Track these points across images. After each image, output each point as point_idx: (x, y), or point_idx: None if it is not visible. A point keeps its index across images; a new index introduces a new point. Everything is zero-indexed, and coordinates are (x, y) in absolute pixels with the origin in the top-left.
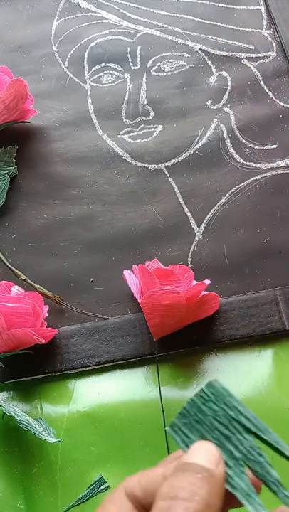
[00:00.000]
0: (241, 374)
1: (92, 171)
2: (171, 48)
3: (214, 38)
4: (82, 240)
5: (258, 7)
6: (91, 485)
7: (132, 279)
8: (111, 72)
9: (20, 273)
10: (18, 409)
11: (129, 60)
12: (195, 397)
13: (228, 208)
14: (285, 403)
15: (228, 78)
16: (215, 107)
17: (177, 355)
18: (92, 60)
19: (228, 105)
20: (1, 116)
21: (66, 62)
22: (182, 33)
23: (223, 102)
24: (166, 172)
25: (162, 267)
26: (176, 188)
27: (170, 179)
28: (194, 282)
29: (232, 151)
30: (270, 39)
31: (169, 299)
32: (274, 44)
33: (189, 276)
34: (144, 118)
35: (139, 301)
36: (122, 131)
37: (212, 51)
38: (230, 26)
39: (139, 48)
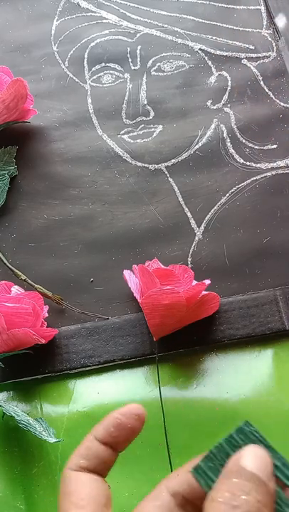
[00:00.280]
0: (241, 374)
1: (92, 171)
2: (171, 48)
3: (214, 38)
4: (82, 240)
5: (258, 7)
6: None
7: (132, 279)
8: (111, 72)
9: (20, 273)
10: (18, 409)
11: (129, 60)
12: (223, 442)
13: (228, 208)
14: (285, 403)
15: (228, 78)
16: (215, 107)
17: (177, 355)
18: (92, 60)
19: (228, 105)
20: (1, 116)
21: (66, 62)
22: (182, 33)
23: (223, 102)
24: (166, 172)
25: (162, 267)
26: (176, 188)
27: (170, 179)
28: (194, 282)
29: (232, 151)
30: (270, 39)
31: (169, 299)
32: (274, 44)
33: (189, 276)
34: (144, 118)
35: (139, 301)
36: (122, 131)
37: (212, 51)
38: (230, 26)
39: (139, 48)
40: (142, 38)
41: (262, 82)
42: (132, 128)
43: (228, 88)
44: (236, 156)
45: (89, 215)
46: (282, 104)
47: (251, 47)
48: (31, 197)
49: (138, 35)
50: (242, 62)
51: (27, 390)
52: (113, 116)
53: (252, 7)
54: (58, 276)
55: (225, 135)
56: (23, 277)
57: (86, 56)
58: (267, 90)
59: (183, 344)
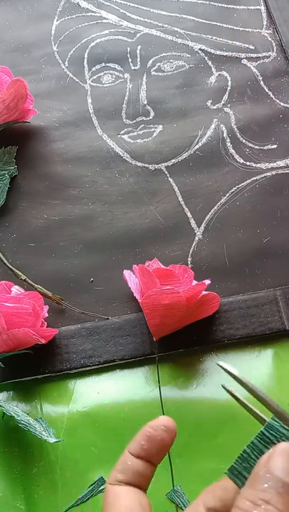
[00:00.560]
0: (241, 374)
1: (92, 171)
2: (171, 48)
3: (214, 38)
4: (82, 240)
5: (258, 7)
6: (91, 485)
7: (132, 279)
8: (111, 72)
9: (20, 273)
10: (18, 409)
11: (129, 60)
12: (256, 440)
13: (228, 208)
14: (285, 403)
15: (228, 78)
16: (215, 107)
17: (177, 355)
18: (92, 60)
19: (228, 105)
20: (1, 116)
21: (66, 62)
22: (182, 33)
23: (223, 102)
24: (166, 172)
25: (162, 267)
26: (176, 188)
27: (170, 179)
28: (194, 282)
29: (232, 151)
30: (270, 39)
31: (169, 299)
32: (274, 44)
33: (189, 276)
34: (144, 118)
35: (139, 301)
36: (122, 131)
37: (212, 51)
38: (230, 26)
39: (139, 48)
40: (141, 38)
41: (262, 82)
42: (132, 128)
43: (228, 88)
44: (236, 156)
45: (89, 215)
46: (282, 104)
47: (251, 47)
48: (31, 197)
49: (138, 35)
50: (242, 62)
51: (27, 390)
52: (113, 116)
53: (252, 7)
54: (58, 276)
55: (225, 135)
56: (23, 277)
57: (86, 56)
58: (267, 90)
59: (183, 344)
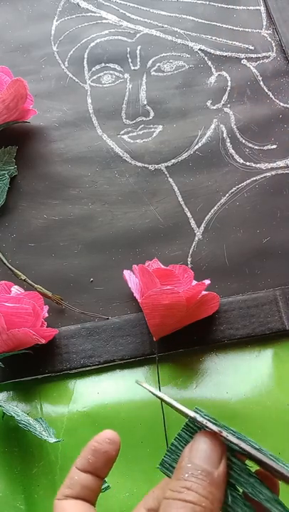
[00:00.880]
0: (241, 374)
1: (92, 171)
2: (171, 48)
3: (214, 38)
4: (82, 240)
5: (258, 7)
6: None
7: (132, 279)
8: (111, 72)
9: (20, 273)
10: (18, 409)
11: (129, 60)
12: (182, 432)
13: (228, 208)
14: (285, 403)
15: (228, 78)
16: (215, 107)
17: (177, 355)
18: (92, 60)
19: (228, 105)
20: (1, 116)
21: (66, 62)
22: (182, 33)
23: (222, 102)
24: (166, 172)
25: (162, 267)
26: (176, 188)
27: (170, 179)
28: (194, 282)
29: (232, 151)
30: (269, 39)
31: (169, 299)
32: (274, 44)
33: (189, 276)
34: (144, 118)
35: (139, 301)
36: (122, 131)
37: (212, 51)
38: (230, 26)
39: (138, 48)
40: (141, 38)
41: (261, 83)
42: (132, 128)
43: (228, 88)
44: (236, 156)
45: (89, 215)
46: (282, 104)
47: (251, 47)
48: (31, 197)
49: (138, 35)
50: (242, 62)
51: (27, 390)
52: (113, 117)
53: (252, 7)
54: (58, 276)
55: (225, 135)
56: (23, 277)
57: (86, 56)
58: (267, 90)
59: (183, 344)
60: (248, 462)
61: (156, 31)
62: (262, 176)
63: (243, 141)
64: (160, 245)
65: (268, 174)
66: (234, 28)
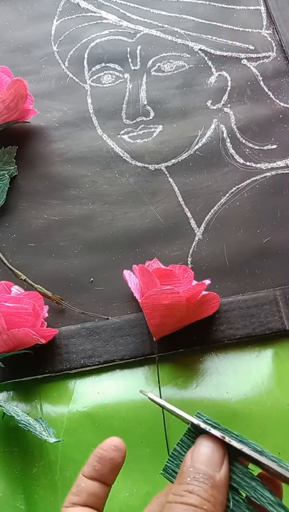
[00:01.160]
0: (241, 374)
1: (92, 171)
2: (171, 48)
3: (214, 38)
4: (82, 240)
5: (258, 7)
6: None
7: (132, 279)
8: (111, 72)
9: (20, 273)
10: (18, 409)
11: (129, 60)
12: (184, 438)
13: (228, 208)
14: (285, 403)
15: (228, 78)
16: (215, 107)
17: (177, 355)
18: (92, 60)
19: (228, 105)
20: (1, 116)
21: (66, 62)
22: (182, 33)
23: (223, 102)
24: (166, 172)
25: (162, 267)
26: (176, 188)
27: (170, 179)
28: (194, 282)
29: (232, 151)
30: (270, 39)
31: (169, 299)
32: (274, 44)
33: (189, 276)
34: (144, 118)
35: (139, 301)
36: (122, 131)
37: (212, 51)
38: (230, 26)
39: (139, 48)
40: (142, 38)
41: (262, 82)
42: (132, 128)
43: (228, 88)
44: (236, 156)
45: (89, 215)
46: (282, 104)
47: (251, 47)
48: (31, 197)
49: (138, 35)
50: (242, 62)
51: (27, 390)
52: (113, 117)
53: (252, 7)
54: (58, 276)
55: (225, 135)
56: (23, 277)
57: (86, 56)
58: (267, 90)
59: (183, 344)
60: (250, 466)
61: (157, 31)
62: (262, 175)
63: (243, 141)
64: (160, 245)
65: (268, 174)
66: (234, 28)
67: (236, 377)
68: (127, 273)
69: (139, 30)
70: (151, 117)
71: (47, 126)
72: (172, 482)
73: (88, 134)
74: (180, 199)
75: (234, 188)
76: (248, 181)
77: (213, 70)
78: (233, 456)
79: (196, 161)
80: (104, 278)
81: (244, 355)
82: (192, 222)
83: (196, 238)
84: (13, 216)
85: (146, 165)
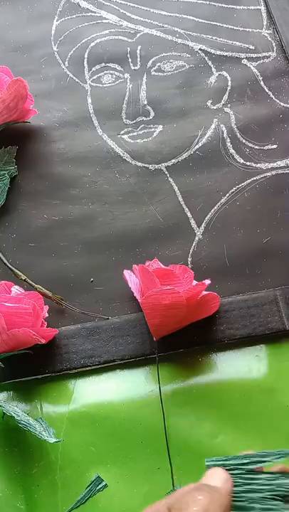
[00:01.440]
0: (241, 374)
1: (92, 171)
2: (171, 48)
3: (214, 38)
4: (82, 240)
5: (258, 7)
6: (89, 485)
7: (132, 279)
8: (111, 72)
9: (20, 273)
10: (18, 409)
11: (129, 60)
12: None
13: (228, 208)
14: (285, 403)
15: (228, 78)
16: (215, 107)
17: (177, 355)
18: (92, 60)
19: (228, 105)
20: (1, 116)
21: (66, 62)
22: (182, 33)
23: (223, 102)
24: (166, 172)
25: (162, 266)
26: (176, 188)
27: (170, 179)
28: (194, 282)
29: (232, 151)
30: (270, 39)
31: (169, 299)
32: (274, 44)
33: (189, 276)
34: (144, 118)
35: (139, 301)
36: (122, 131)
37: (212, 51)
38: (230, 26)
39: (139, 48)
40: (142, 38)
41: (262, 82)
42: (132, 128)
43: (228, 88)
44: (236, 156)
45: (89, 215)
46: (282, 104)
47: (251, 47)
48: (31, 197)
49: (138, 35)
50: (242, 62)
51: (27, 390)
52: (113, 116)
53: (252, 7)
54: (58, 276)
55: (225, 135)
56: (23, 277)
57: (86, 56)
58: (267, 90)
59: (183, 344)
60: None
61: (157, 31)
62: (262, 175)
63: (244, 141)
64: (160, 245)
65: (268, 174)
66: (234, 27)
67: (236, 377)
68: (127, 273)
69: (139, 30)
70: (151, 117)
71: (47, 126)
72: None
73: (88, 134)
74: (180, 199)
75: (234, 188)
76: (248, 181)
77: (214, 69)
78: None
79: (196, 161)
80: (104, 278)
81: (244, 355)
82: (192, 222)
83: (196, 238)
84: (13, 216)
85: (146, 165)
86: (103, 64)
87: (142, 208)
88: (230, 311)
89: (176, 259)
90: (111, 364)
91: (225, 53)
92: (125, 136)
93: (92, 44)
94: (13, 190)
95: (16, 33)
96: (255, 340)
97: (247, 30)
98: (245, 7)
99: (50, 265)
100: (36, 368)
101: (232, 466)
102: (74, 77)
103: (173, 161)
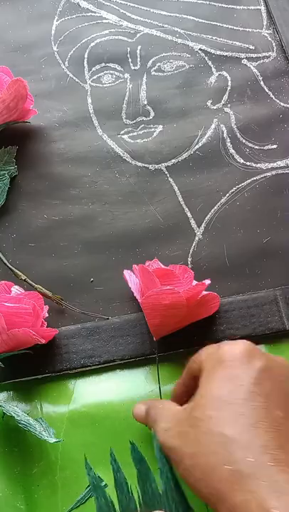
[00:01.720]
0: None
1: (92, 171)
2: (171, 48)
3: (214, 38)
4: (82, 240)
5: (258, 7)
6: (89, 485)
7: (132, 279)
8: (111, 72)
9: (20, 273)
10: (18, 409)
11: (129, 60)
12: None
13: (228, 208)
14: None
15: (228, 78)
16: (215, 107)
17: (177, 355)
18: (92, 60)
19: (228, 105)
20: (1, 117)
21: (66, 62)
22: (182, 33)
23: (223, 102)
24: (166, 172)
25: (162, 267)
26: (176, 188)
27: (170, 179)
28: (194, 282)
29: (232, 151)
30: (270, 39)
31: (169, 299)
32: (274, 44)
33: (189, 276)
34: (144, 118)
35: (139, 301)
36: (122, 131)
37: (212, 51)
38: (230, 26)
39: (139, 48)
40: (142, 38)
41: (262, 82)
42: (132, 128)
43: (228, 88)
44: (236, 156)
45: (89, 215)
46: (282, 104)
47: (251, 47)
48: (31, 197)
49: (138, 35)
50: (242, 62)
51: (27, 390)
52: (113, 117)
53: (252, 7)
54: (58, 276)
55: (225, 135)
56: (23, 277)
57: (86, 56)
58: (267, 90)
59: (183, 344)
60: None
61: (157, 31)
62: (262, 175)
63: (244, 141)
64: (160, 245)
65: (268, 174)
66: (234, 27)
67: None
68: (127, 273)
69: (139, 30)
70: (151, 117)
71: (47, 126)
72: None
73: (88, 134)
74: (180, 199)
75: (234, 188)
76: (248, 181)
77: (213, 69)
78: None
79: (196, 161)
80: (104, 278)
81: None
82: (192, 222)
83: (196, 238)
84: (13, 216)
85: (146, 165)
86: (103, 64)
87: (142, 208)
88: (230, 311)
89: (176, 259)
90: (111, 364)
91: (225, 53)
92: (125, 136)
93: (92, 44)
94: (13, 190)
95: (16, 33)
96: (255, 340)
97: (247, 30)
98: (245, 7)
99: (50, 265)
100: (36, 367)
101: None
102: (74, 77)
103: (173, 161)
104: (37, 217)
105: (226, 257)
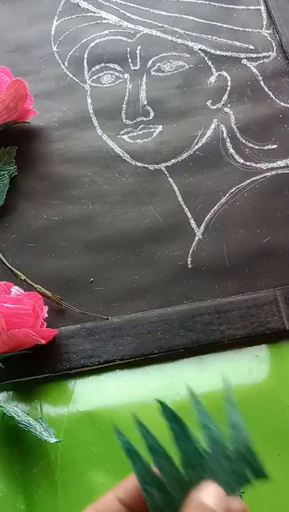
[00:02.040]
0: (241, 374)
1: (92, 171)
2: (171, 48)
3: (214, 38)
4: (82, 240)
5: (258, 7)
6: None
7: None
8: (111, 72)
9: (20, 273)
10: (18, 410)
11: (129, 60)
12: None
13: (228, 208)
14: (284, 403)
15: (228, 78)
16: (215, 107)
17: (177, 355)
18: (92, 60)
19: (228, 105)
20: (1, 117)
21: (66, 63)
22: (182, 33)
23: (223, 102)
24: (166, 172)
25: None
26: (176, 188)
27: (170, 179)
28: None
29: (232, 151)
30: (270, 39)
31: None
32: (274, 44)
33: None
34: (144, 118)
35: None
36: (122, 132)
37: (212, 51)
38: (230, 26)
39: (139, 48)
40: (141, 38)
41: (262, 82)
42: (132, 128)
43: (228, 88)
44: (236, 156)
45: (89, 215)
46: (282, 104)
47: (251, 47)
48: (31, 197)
49: (138, 35)
50: (242, 62)
51: (27, 390)
52: (113, 117)
53: (252, 7)
54: (58, 276)
55: (225, 135)
56: (23, 277)
57: (86, 56)
58: (267, 90)
59: (182, 344)
60: None
61: (157, 31)
62: (262, 175)
63: (243, 141)
64: (160, 245)
65: (268, 174)
66: (234, 27)
67: (236, 377)
68: None
69: (139, 30)
70: (151, 117)
71: (47, 126)
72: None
73: (88, 134)
74: (180, 199)
75: (234, 188)
76: (248, 181)
77: (213, 69)
78: None
79: (196, 161)
80: (104, 278)
81: (244, 355)
82: (192, 222)
83: (196, 238)
84: (13, 216)
85: (146, 165)
86: (103, 64)
87: (141, 208)
88: (230, 311)
89: (176, 259)
90: (111, 364)
91: (225, 53)
92: (125, 137)
93: (92, 44)
94: (13, 190)
95: (15, 33)
96: (255, 340)
97: (247, 30)
98: (245, 7)
99: (50, 265)
100: (36, 368)
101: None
102: (74, 78)
103: (173, 161)
104: (37, 217)
105: (226, 257)
